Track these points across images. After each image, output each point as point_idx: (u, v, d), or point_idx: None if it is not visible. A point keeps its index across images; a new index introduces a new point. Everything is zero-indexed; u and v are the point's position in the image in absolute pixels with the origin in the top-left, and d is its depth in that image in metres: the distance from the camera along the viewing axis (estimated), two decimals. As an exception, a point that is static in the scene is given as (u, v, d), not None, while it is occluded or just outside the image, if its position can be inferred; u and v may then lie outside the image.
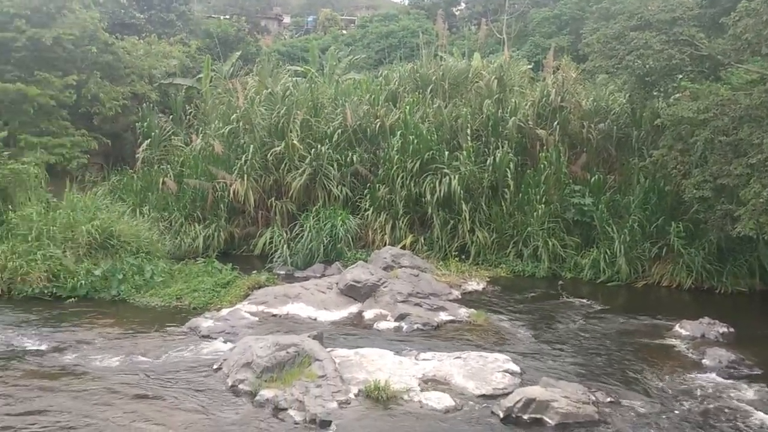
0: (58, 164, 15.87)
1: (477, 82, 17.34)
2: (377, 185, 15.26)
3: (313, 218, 14.59)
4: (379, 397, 7.53)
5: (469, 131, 15.46)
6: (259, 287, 12.40)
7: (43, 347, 9.50)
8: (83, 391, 7.93)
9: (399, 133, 15.60)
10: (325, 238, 14.24)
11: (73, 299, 11.76)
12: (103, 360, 9.02)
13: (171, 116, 19.21)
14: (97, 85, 17.48)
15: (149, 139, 17.58)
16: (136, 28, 22.64)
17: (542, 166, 14.66)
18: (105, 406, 7.53)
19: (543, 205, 14.21)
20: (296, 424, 7.01)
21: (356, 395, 7.62)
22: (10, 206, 12.98)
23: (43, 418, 7.21)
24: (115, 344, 9.66)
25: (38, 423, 7.09)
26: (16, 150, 14.95)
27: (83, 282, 11.98)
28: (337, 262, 13.91)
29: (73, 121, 17.20)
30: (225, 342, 9.63)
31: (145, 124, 17.79)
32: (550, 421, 7.21)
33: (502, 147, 15.12)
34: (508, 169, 14.79)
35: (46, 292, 11.84)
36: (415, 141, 15.25)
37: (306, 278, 13.08)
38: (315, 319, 10.86)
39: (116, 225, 13.07)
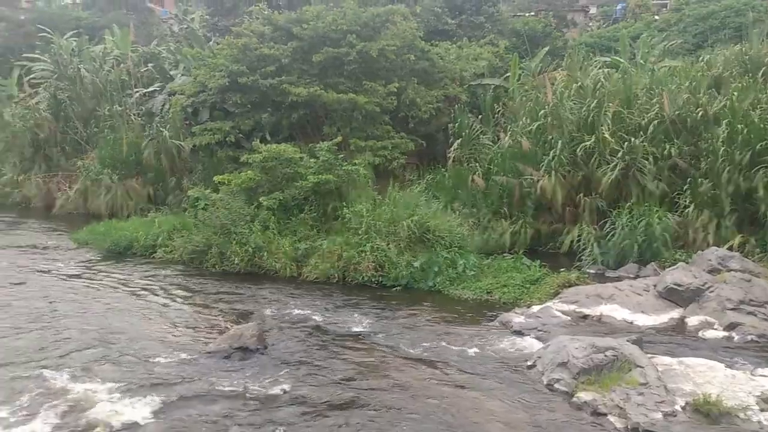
0: (381, 165, 17.48)
1: (825, 60, 14.87)
2: (699, 180, 13.93)
3: (625, 215, 13.89)
4: (709, 413, 6.89)
5: (815, 117, 13.31)
6: (569, 286, 12.17)
7: (369, 329, 10.57)
8: (404, 371, 8.66)
9: (725, 122, 14.05)
10: (639, 237, 13.46)
11: (396, 288, 12.89)
12: (420, 344, 9.72)
13: (480, 116, 19.87)
14: (414, 90, 18.80)
15: (460, 139, 18.41)
16: (448, 34, 23.84)
17: None
18: (423, 385, 8.13)
19: None
20: (616, 430, 6.75)
21: (683, 408, 7.07)
22: (344, 203, 14.69)
23: (364, 391, 8.05)
24: (433, 331, 10.35)
25: (359, 395, 7.93)
26: (347, 153, 16.79)
27: (404, 273, 13.04)
28: (652, 263, 13.05)
29: (393, 125, 18.78)
30: (537, 339, 9.68)
31: (457, 124, 18.69)
32: None
33: None
34: None
35: (373, 280, 13.16)
36: (745, 130, 13.60)
37: (618, 278, 12.50)
38: (631, 323, 10.33)
39: (432, 220, 13.94)
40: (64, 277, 13.73)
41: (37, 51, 29.27)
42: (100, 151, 22.22)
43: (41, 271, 14.19)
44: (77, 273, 14.11)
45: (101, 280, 13.59)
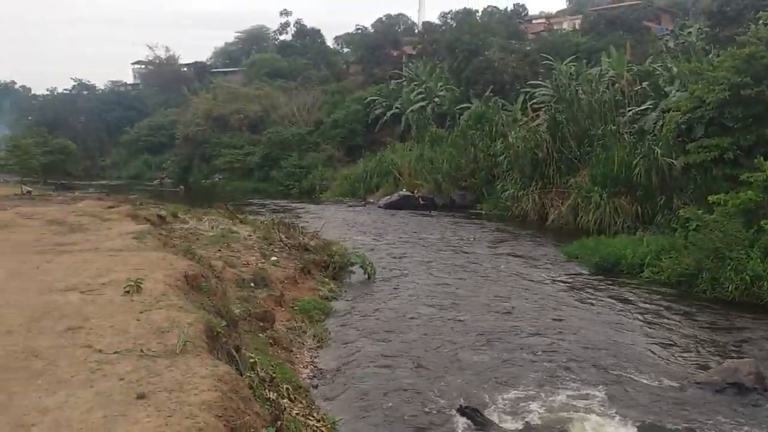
0: None
1: None
2: None
3: None
4: None
5: None
6: None
7: None
8: None
9: None
10: None
11: None
12: None
13: None
14: None
15: None
16: None
17: None
18: None
19: None
20: None
21: None
22: None
23: None
24: None
25: None
26: None
27: None
28: None
29: None
30: None
31: None
32: None
33: None
34: None
35: None
36: None
37: None
38: None
39: None
40: (553, 288, 14.73)
41: (539, 77, 32.25)
42: (591, 169, 23.21)
43: (532, 280, 15.48)
44: (566, 285, 15.00)
45: (589, 294, 14.16)
